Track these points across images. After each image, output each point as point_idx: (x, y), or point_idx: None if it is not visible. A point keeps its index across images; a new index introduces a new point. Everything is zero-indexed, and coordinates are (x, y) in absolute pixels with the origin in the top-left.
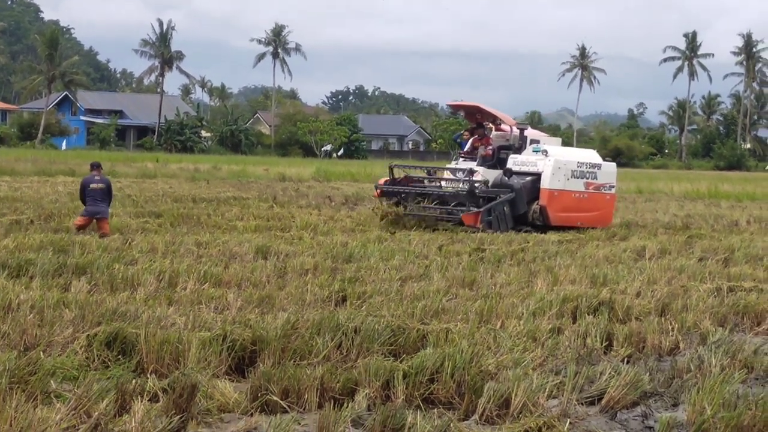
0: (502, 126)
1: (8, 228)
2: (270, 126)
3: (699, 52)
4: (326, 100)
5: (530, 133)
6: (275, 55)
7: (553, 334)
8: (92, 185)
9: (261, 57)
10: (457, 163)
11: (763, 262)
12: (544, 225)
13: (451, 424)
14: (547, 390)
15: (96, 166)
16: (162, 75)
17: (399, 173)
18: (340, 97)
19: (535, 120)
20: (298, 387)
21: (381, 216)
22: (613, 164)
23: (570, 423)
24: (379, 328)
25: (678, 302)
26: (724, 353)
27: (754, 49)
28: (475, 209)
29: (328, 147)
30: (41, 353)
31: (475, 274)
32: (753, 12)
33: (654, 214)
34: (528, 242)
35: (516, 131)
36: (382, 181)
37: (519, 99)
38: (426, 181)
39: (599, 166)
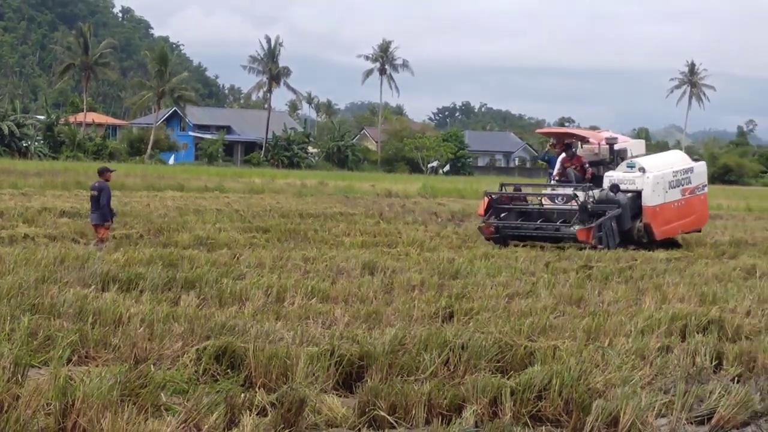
0: (590, 140)
1: (119, 242)
2: (376, 142)
3: None
4: (432, 116)
5: (619, 145)
6: (382, 71)
7: (662, 353)
8: (91, 192)
9: (369, 73)
10: (554, 190)
11: None
12: (649, 242)
13: None
14: (656, 408)
15: (100, 172)
16: (270, 91)
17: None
18: (446, 113)
19: (642, 137)
20: (405, 403)
21: (487, 236)
22: (703, 163)
23: None
24: (486, 345)
25: None
26: None
27: None
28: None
29: (435, 163)
30: (152, 366)
31: (583, 291)
32: None
33: (764, 233)
34: (636, 260)
35: (605, 147)
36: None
37: (625, 115)
38: (529, 200)
39: (692, 169)
